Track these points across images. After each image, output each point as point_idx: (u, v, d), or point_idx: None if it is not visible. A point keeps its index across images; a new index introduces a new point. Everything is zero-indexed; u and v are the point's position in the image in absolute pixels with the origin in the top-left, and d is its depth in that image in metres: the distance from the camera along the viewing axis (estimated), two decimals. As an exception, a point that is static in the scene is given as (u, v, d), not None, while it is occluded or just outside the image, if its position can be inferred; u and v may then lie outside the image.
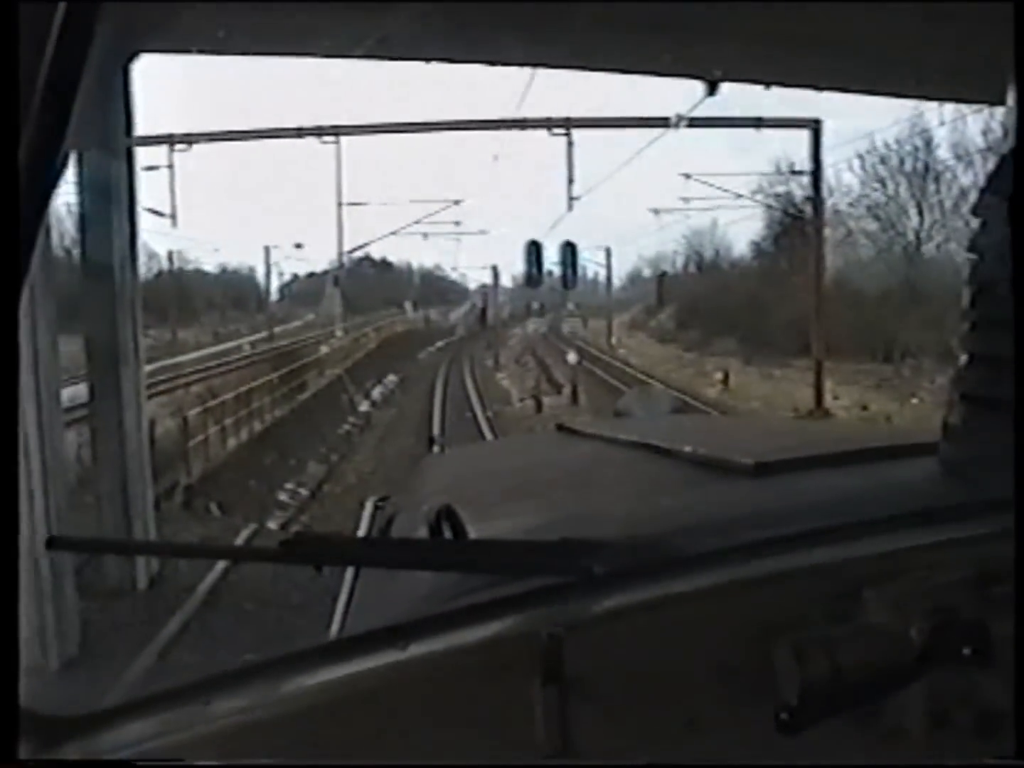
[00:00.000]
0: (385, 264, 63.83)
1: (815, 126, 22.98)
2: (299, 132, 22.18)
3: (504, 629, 1.21)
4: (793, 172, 23.86)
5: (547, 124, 22.41)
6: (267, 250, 40.01)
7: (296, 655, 1.23)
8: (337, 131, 22.37)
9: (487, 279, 49.49)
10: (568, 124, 22.54)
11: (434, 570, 1.36)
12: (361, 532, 2.76)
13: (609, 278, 43.38)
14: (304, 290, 55.22)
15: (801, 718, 1.11)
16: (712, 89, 14.27)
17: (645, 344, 50.05)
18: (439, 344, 54.51)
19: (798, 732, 1.12)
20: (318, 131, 22.21)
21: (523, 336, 52.69)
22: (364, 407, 31.79)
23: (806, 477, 1.65)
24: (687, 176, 25.38)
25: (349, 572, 2.07)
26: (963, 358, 1.46)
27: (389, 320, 54.48)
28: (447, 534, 1.37)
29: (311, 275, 47.84)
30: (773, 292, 41.71)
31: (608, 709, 1.16)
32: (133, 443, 11.57)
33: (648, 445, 2.02)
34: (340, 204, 24.66)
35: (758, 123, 22.85)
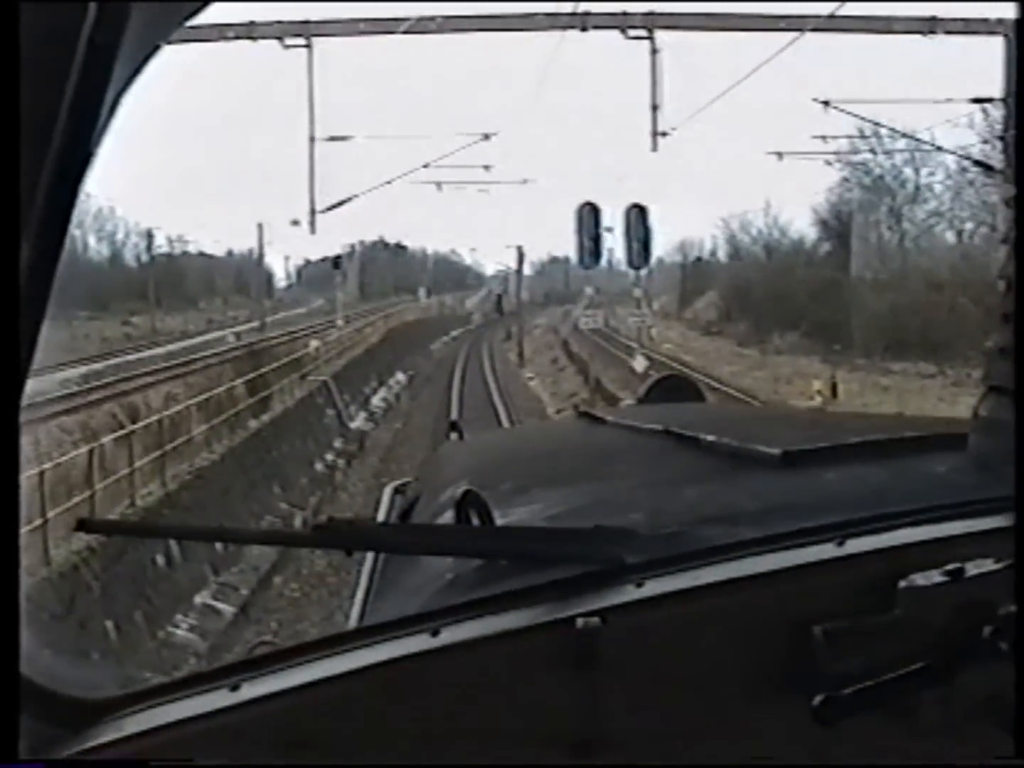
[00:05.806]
0: (399, 248, 58.53)
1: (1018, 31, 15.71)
2: (251, 31, 14.91)
3: (537, 617, 1.26)
4: (977, 100, 16.59)
5: (621, 23, 15.10)
6: (260, 228, 35.00)
7: (327, 640, 1.28)
8: (308, 30, 15.04)
9: (508, 262, 43.82)
10: (652, 23, 15.21)
11: (470, 557, 1.42)
12: (381, 518, 2.53)
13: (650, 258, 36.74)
14: (315, 274, 51.08)
15: (835, 710, 1.17)
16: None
17: (689, 338, 43.54)
18: (454, 333, 49.26)
19: (832, 723, 1.17)
20: (280, 30, 14.92)
21: (549, 326, 46.72)
22: (357, 422, 24.49)
23: (834, 467, 1.64)
24: (825, 104, 17.84)
25: (368, 559, 2.04)
26: (994, 351, 1.53)
27: (400, 307, 49.10)
28: (473, 520, 1.40)
29: (324, 259, 43.01)
30: (851, 278, 35.07)
31: (640, 698, 1.22)
32: None
33: (673, 433, 2.02)
34: (312, 139, 16.96)
35: (931, 26, 15.61)
